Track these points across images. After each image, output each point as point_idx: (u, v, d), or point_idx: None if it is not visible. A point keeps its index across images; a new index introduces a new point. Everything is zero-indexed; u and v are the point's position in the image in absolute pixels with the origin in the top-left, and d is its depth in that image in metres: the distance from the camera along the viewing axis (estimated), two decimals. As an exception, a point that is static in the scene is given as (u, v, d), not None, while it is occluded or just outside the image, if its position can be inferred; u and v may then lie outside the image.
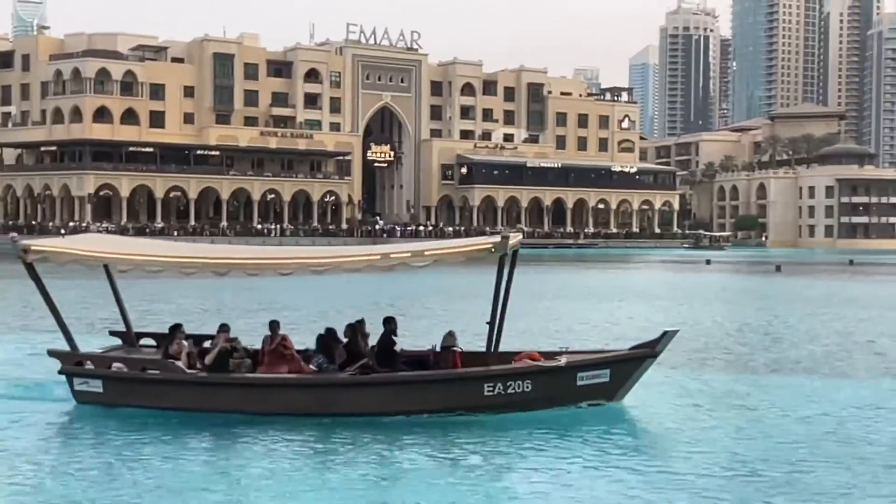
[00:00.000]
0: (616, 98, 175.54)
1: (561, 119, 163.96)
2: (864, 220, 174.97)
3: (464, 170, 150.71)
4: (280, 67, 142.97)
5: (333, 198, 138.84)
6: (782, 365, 23.90)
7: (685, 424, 16.55)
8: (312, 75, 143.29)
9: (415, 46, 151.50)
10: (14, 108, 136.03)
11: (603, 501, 12.40)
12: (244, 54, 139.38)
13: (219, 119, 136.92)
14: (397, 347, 17.53)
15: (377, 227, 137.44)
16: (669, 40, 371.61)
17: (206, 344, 17.98)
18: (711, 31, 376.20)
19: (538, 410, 16.47)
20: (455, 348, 17.15)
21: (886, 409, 18.11)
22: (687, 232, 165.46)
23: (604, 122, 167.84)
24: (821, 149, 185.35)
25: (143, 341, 19.35)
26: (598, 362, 17.02)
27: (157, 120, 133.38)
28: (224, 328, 17.71)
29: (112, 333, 19.70)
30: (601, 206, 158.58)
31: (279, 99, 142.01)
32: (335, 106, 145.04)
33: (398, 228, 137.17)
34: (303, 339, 19.54)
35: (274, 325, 17.81)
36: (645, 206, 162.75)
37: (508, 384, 16.37)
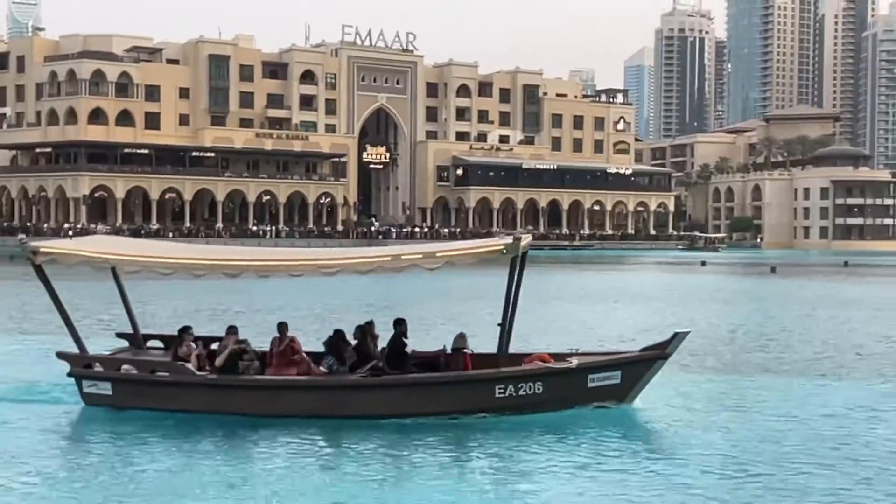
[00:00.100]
0: (611, 100, 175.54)
1: (556, 120, 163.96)
2: (858, 221, 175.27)
3: (459, 171, 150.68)
4: (275, 69, 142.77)
5: (329, 199, 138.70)
6: (792, 366, 23.89)
7: (696, 426, 16.48)
8: (308, 77, 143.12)
9: (410, 48, 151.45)
10: (9, 109, 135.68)
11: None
12: (239, 56, 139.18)
13: (214, 121, 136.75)
14: (408, 349, 17.47)
15: (373, 228, 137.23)
16: (665, 42, 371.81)
17: (214, 346, 17.92)
18: (706, 32, 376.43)
19: (549, 412, 16.40)
20: (466, 350, 17.09)
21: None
22: (682, 233, 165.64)
23: (599, 123, 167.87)
24: (815, 150, 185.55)
25: (149, 343, 19.27)
26: (609, 364, 16.96)
27: (152, 121, 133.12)
28: (233, 330, 17.65)
29: (119, 335, 19.61)
30: (596, 207, 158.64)
31: (274, 100, 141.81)
32: (331, 107, 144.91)
33: (394, 230, 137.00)
34: (303, 340, 19.44)
35: (282, 326, 17.72)
36: (640, 208, 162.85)
37: (520, 386, 16.31)
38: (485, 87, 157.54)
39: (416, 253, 16.44)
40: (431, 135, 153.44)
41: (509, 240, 16.26)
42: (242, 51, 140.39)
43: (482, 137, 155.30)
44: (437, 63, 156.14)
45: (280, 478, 13.30)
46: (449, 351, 17.25)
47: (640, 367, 17.01)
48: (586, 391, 16.72)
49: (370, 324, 17.96)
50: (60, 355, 17.60)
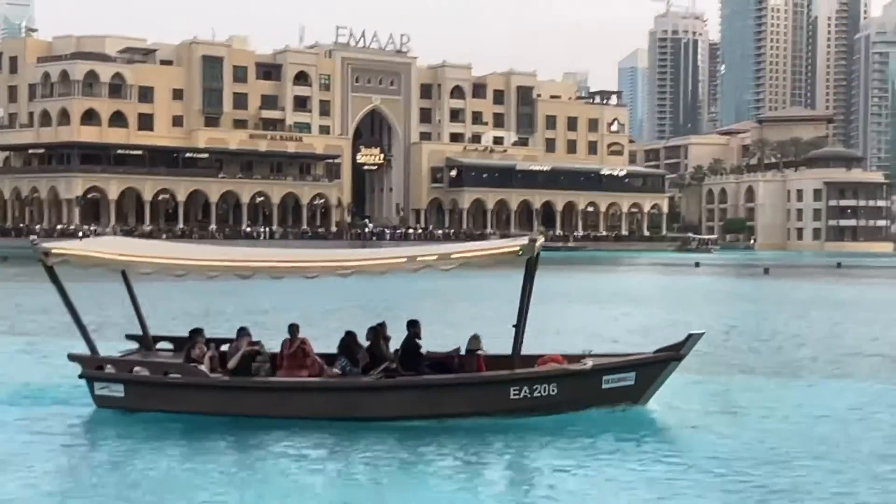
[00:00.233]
0: (605, 101, 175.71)
1: (550, 122, 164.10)
2: (851, 223, 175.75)
3: (453, 173, 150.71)
4: (269, 70, 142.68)
5: (323, 201, 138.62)
6: (801, 367, 23.91)
7: (712, 427, 16.42)
8: (302, 78, 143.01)
9: (404, 49, 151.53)
10: (1, 110, 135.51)
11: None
12: (233, 57, 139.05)
13: (208, 122, 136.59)
14: (423, 350, 17.40)
15: (366, 230, 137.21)
16: (658, 44, 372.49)
17: (224, 348, 17.82)
18: (700, 34, 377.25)
19: (563, 414, 16.33)
20: (480, 351, 17.02)
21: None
22: (675, 235, 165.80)
23: (593, 125, 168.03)
24: (809, 152, 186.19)
25: (159, 345, 19.15)
26: (623, 365, 16.89)
27: (145, 122, 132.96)
28: (245, 332, 17.53)
29: (128, 337, 19.48)
30: (590, 209, 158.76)
31: (268, 102, 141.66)
32: (324, 109, 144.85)
33: (388, 231, 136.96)
34: (313, 341, 19.35)
35: (293, 328, 17.62)
36: (634, 209, 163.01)
37: (534, 388, 16.24)
38: (479, 89, 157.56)
39: (432, 254, 16.32)
40: (425, 136, 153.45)
41: (525, 241, 16.19)
42: (236, 52, 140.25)
43: (476, 139, 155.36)
44: (431, 64, 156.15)
45: (293, 480, 13.24)
46: (463, 352, 17.19)
47: (655, 368, 16.95)
48: (601, 392, 16.66)
49: (382, 325, 17.87)
50: (72, 357, 17.42)
